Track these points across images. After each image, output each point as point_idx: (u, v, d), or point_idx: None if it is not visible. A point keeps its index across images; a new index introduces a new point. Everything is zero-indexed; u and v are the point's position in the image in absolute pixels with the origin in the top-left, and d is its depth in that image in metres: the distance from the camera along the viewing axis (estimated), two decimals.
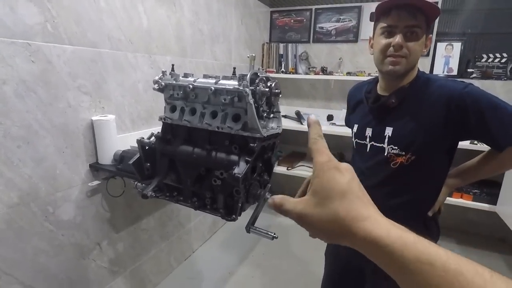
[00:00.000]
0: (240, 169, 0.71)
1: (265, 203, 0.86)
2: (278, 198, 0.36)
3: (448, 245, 2.37)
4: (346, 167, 0.32)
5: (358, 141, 1.05)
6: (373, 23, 0.96)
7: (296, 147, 3.13)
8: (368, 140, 1.01)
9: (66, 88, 1.18)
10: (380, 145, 0.97)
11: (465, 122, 0.85)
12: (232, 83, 0.71)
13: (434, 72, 2.52)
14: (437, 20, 2.45)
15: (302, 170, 2.68)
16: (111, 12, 1.32)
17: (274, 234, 0.78)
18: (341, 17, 2.78)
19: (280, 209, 0.35)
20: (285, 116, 2.95)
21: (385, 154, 0.96)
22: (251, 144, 0.71)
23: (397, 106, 0.94)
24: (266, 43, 2.98)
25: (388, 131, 0.95)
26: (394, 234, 0.27)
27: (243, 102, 0.68)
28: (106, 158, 1.30)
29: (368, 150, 1.01)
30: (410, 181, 0.95)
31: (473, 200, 2.22)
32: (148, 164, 0.96)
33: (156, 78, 0.96)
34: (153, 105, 1.63)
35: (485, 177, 0.97)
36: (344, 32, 2.79)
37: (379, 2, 0.88)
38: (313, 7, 2.86)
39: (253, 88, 0.68)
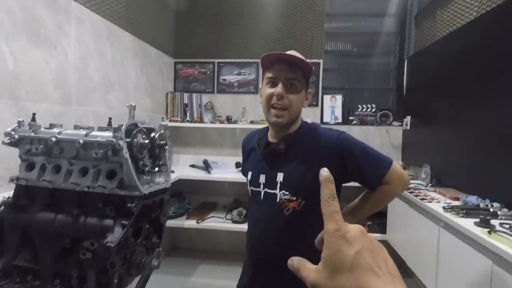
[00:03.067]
0: (114, 236, 0.59)
1: (151, 272, 0.72)
2: (296, 261, 0.33)
3: None
4: (355, 235, 0.31)
5: (253, 188, 1.04)
6: None
7: (206, 197, 3.01)
8: (262, 187, 1.01)
9: None
10: (273, 191, 0.98)
11: (343, 166, 0.95)
12: (106, 135, 0.62)
13: (324, 120, 2.88)
14: (321, 76, 2.88)
15: (213, 222, 2.55)
16: None
17: None
18: (242, 71, 3.00)
19: (297, 274, 0.33)
20: (193, 166, 2.85)
21: (278, 200, 0.97)
22: (129, 204, 0.61)
23: (285, 152, 0.99)
24: (171, 92, 2.95)
25: (280, 176, 0.97)
26: None
27: (119, 156, 0.59)
28: None
29: (262, 198, 1.01)
30: (305, 227, 0.92)
31: (368, 232, 2.47)
32: None
33: (8, 129, 0.78)
34: (18, 162, 1.32)
35: (368, 214, 1.07)
36: (245, 84, 3.00)
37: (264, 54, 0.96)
38: (216, 61, 3.02)
39: (129, 140, 0.60)
